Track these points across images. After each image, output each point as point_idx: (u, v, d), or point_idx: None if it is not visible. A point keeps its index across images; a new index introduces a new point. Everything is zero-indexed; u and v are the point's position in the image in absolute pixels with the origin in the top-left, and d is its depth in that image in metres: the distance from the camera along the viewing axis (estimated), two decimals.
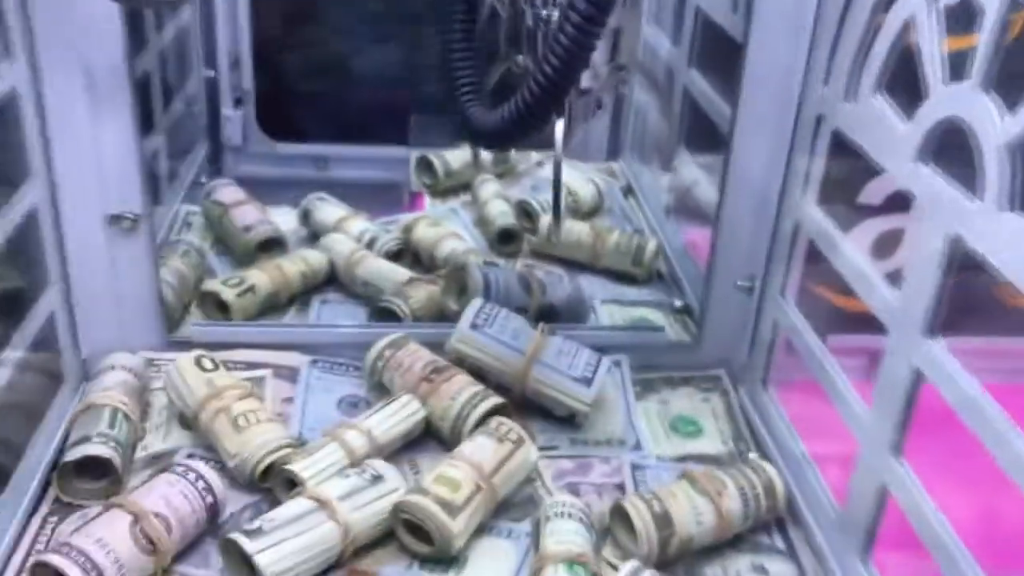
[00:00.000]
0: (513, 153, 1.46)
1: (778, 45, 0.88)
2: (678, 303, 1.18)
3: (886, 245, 1.00)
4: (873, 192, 0.99)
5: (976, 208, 0.60)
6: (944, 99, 0.63)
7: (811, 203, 0.86)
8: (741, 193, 0.96)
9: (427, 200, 1.42)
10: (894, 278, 0.75)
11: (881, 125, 0.72)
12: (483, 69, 0.79)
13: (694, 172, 1.24)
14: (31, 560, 0.74)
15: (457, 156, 1.43)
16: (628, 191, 1.48)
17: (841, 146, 0.81)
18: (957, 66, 0.62)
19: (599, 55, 0.70)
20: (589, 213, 1.38)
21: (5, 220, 0.79)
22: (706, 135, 1.14)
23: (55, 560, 0.68)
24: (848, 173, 0.91)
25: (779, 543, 0.85)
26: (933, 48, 0.65)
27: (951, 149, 0.66)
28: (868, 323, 0.78)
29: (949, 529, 0.64)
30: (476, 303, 0.98)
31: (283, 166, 1.50)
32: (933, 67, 0.65)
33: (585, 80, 0.71)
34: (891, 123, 0.71)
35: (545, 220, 1.27)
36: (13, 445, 0.82)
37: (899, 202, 0.94)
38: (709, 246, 1.01)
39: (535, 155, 1.49)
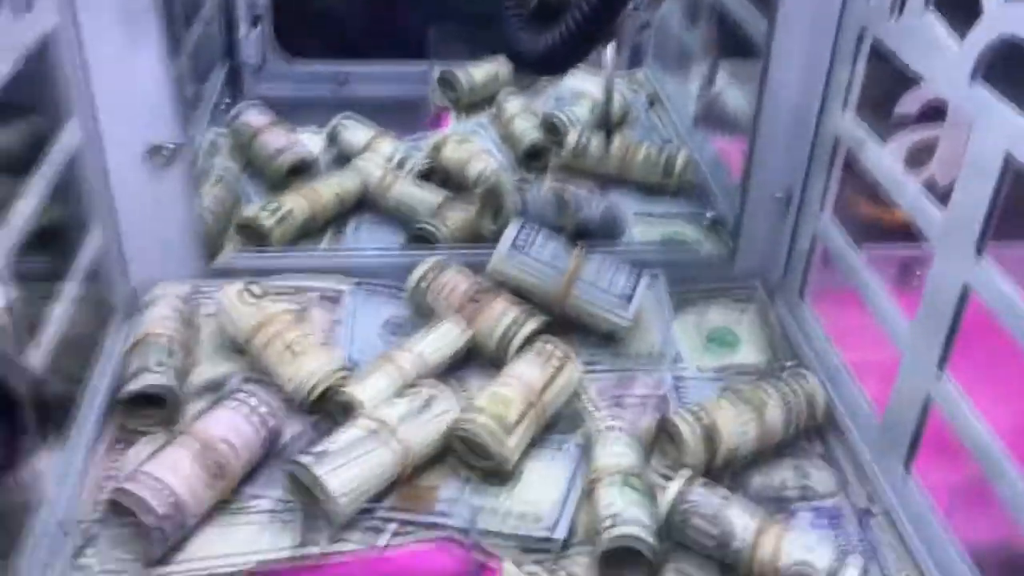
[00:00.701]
0: None
1: None
2: (709, 214, 1.19)
3: (924, 154, 1.00)
4: (911, 101, 0.98)
5: None
6: (1001, 18, 0.63)
7: (852, 117, 0.86)
8: (778, 106, 0.95)
9: (452, 116, 1.41)
10: (932, 187, 0.75)
11: (932, 45, 0.71)
12: None
13: (723, 82, 1.23)
14: (108, 488, 0.75)
15: (480, 70, 1.42)
16: (653, 100, 1.47)
17: (883, 56, 0.80)
18: None
19: None
20: (616, 125, 1.37)
21: (52, 159, 0.79)
22: (736, 43, 1.12)
23: (132, 487, 0.71)
24: (890, 84, 0.91)
25: (818, 448, 0.88)
26: None
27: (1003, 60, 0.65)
28: (904, 232, 0.79)
29: (995, 438, 0.66)
30: (515, 224, 0.99)
31: (302, 84, 1.49)
32: None
33: None
34: (943, 43, 0.70)
35: (573, 135, 1.27)
36: (75, 379, 0.84)
37: (938, 112, 0.94)
38: (743, 158, 1.01)
39: None
